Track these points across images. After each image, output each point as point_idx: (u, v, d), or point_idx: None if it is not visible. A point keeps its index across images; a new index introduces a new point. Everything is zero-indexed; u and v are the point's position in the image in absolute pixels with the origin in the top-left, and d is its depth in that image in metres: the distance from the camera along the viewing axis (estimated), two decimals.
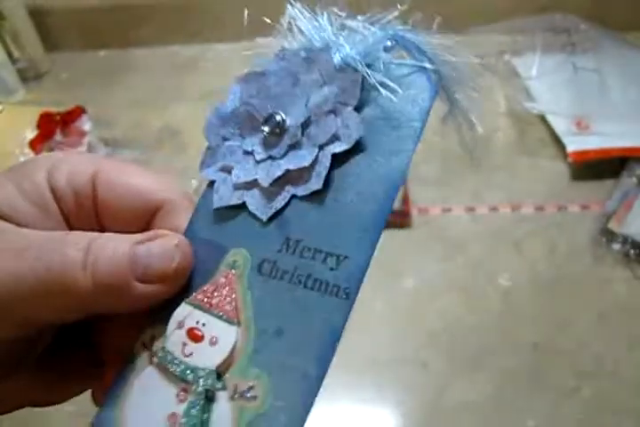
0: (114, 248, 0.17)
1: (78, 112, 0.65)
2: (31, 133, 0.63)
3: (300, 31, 0.19)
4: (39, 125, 0.64)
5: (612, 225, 0.53)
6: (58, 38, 0.82)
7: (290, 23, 0.19)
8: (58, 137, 0.63)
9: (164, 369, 0.18)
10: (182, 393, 0.17)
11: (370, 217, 0.17)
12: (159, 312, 0.18)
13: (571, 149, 0.61)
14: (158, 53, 0.82)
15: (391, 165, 0.17)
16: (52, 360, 0.20)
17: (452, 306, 0.51)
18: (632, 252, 0.52)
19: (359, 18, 0.18)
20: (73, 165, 0.19)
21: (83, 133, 0.64)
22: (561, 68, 0.67)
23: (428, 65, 0.17)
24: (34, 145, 0.62)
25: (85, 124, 0.65)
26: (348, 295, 0.16)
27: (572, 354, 0.47)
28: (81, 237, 0.18)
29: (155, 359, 0.18)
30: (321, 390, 0.16)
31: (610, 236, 0.53)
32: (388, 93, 0.17)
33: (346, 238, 0.17)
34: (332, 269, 0.17)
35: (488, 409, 0.44)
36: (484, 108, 0.20)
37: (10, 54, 0.75)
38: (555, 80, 0.67)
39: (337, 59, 0.18)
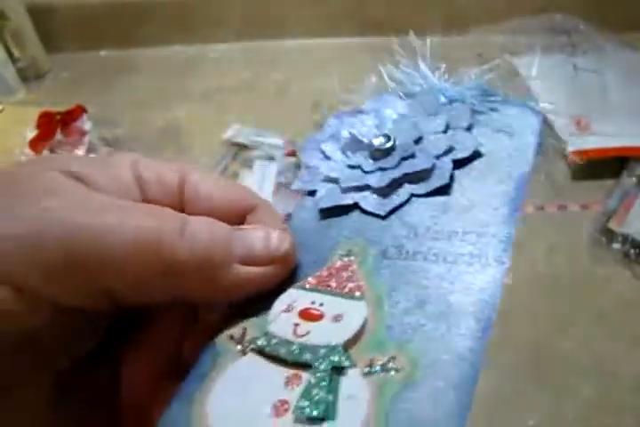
0: (212, 226, 0.17)
1: (79, 112, 0.65)
2: (31, 133, 0.63)
3: (394, 79, 0.23)
4: (39, 125, 0.64)
5: (612, 225, 0.53)
6: (58, 38, 0.82)
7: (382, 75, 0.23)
8: (58, 137, 0.63)
9: (265, 355, 0.16)
10: (293, 378, 0.16)
11: (503, 197, 0.19)
12: (252, 304, 0.18)
13: (571, 149, 0.61)
14: (159, 53, 0.82)
15: (515, 165, 0.20)
16: (67, 393, 0.18)
17: None
18: (632, 251, 0.52)
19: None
20: (158, 162, 0.19)
21: (83, 133, 0.64)
22: (561, 69, 0.67)
23: (531, 103, 0.22)
24: (34, 145, 0.62)
25: (86, 123, 0.65)
26: (500, 262, 0.17)
27: (571, 353, 0.47)
28: (178, 213, 0.17)
29: (251, 347, 0.17)
30: None
31: (610, 235, 0.53)
32: (499, 114, 0.21)
33: (483, 217, 0.18)
34: (473, 243, 0.17)
35: (488, 408, 0.44)
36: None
37: (10, 54, 0.75)
38: (555, 80, 0.67)
39: (442, 99, 0.21)
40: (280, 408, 0.15)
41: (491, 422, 0.44)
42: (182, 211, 0.18)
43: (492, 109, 0.21)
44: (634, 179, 0.57)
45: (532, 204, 0.58)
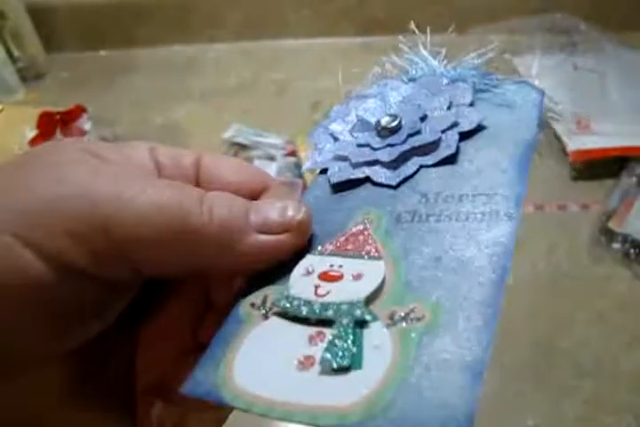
0: (229, 197, 0.18)
1: (78, 111, 0.65)
2: (31, 133, 0.63)
3: (395, 65, 0.23)
4: (39, 125, 0.64)
5: (612, 224, 0.53)
6: (58, 38, 0.82)
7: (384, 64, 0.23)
8: (58, 136, 0.63)
9: (288, 317, 0.17)
10: (317, 335, 0.16)
11: (511, 161, 0.19)
12: (271, 274, 0.18)
13: (571, 148, 0.61)
14: (159, 53, 0.82)
15: (519, 134, 0.20)
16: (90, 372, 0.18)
17: None
18: (632, 251, 0.52)
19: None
20: (173, 148, 0.20)
21: (83, 133, 0.64)
22: (561, 68, 0.67)
23: (529, 80, 0.22)
24: (34, 144, 0.62)
25: (85, 123, 0.65)
26: (511, 217, 0.17)
27: (571, 353, 0.47)
28: (195, 187, 0.18)
29: (273, 310, 0.17)
30: None
31: (610, 235, 0.53)
32: (500, 89, 0.22)
33: (492, 180, 0.19)
34: (484, 203, 0.18)
35: (488, 408, 0.44)
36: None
37: (10, 54, 0.75)
38: (555, 80, 0.67)
39: (445, 81, 0.22)
40: (305, 362, 0.15)
41: (491, 422, 0.44)
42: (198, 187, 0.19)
43: (493, 86, 0.22)
44: (634, 179, 0.57)
45: (532, 204, 0.58)
